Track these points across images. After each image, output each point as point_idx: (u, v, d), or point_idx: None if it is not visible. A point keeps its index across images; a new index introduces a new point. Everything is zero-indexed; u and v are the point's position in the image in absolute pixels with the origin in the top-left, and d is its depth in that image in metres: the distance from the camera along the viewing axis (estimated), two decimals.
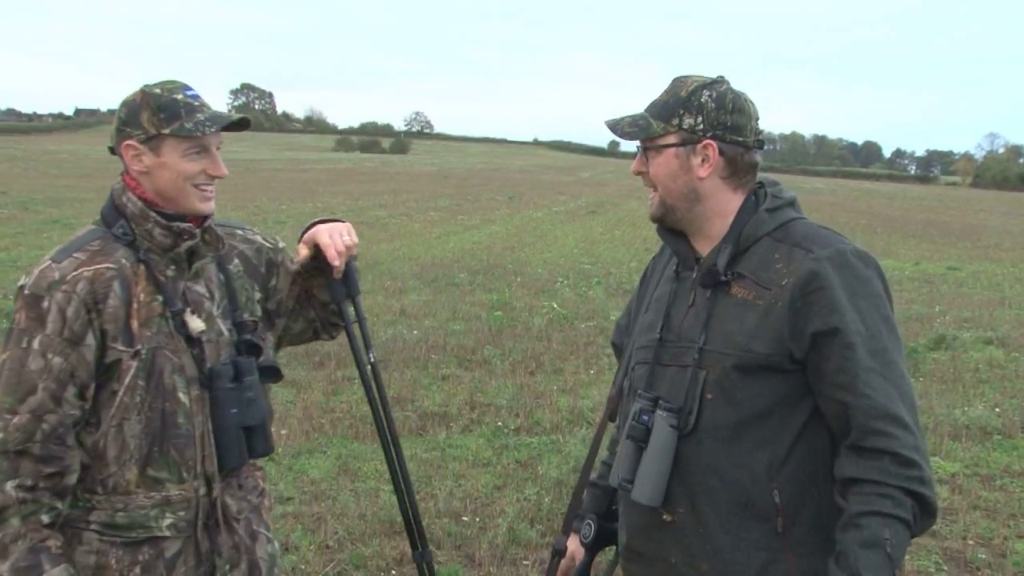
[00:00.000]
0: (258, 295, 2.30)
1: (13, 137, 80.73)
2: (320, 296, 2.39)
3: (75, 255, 2.05)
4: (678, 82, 2.00)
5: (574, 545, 2.27)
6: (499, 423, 6.74)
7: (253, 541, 2.26)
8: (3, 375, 1.99)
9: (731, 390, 1.89)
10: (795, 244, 1.92)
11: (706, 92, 1.95)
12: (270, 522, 2.35)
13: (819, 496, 1.90)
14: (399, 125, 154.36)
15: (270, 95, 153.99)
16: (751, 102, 2.00)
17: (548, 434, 6.55)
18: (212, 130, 2.05)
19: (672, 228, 2.05)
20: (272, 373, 2.25)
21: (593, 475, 2.32)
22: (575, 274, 15.01)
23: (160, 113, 2.03)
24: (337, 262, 2.25)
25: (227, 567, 2.19)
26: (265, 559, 2.28)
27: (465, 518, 4.98)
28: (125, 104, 2.09)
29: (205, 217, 2.15)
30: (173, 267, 2.12)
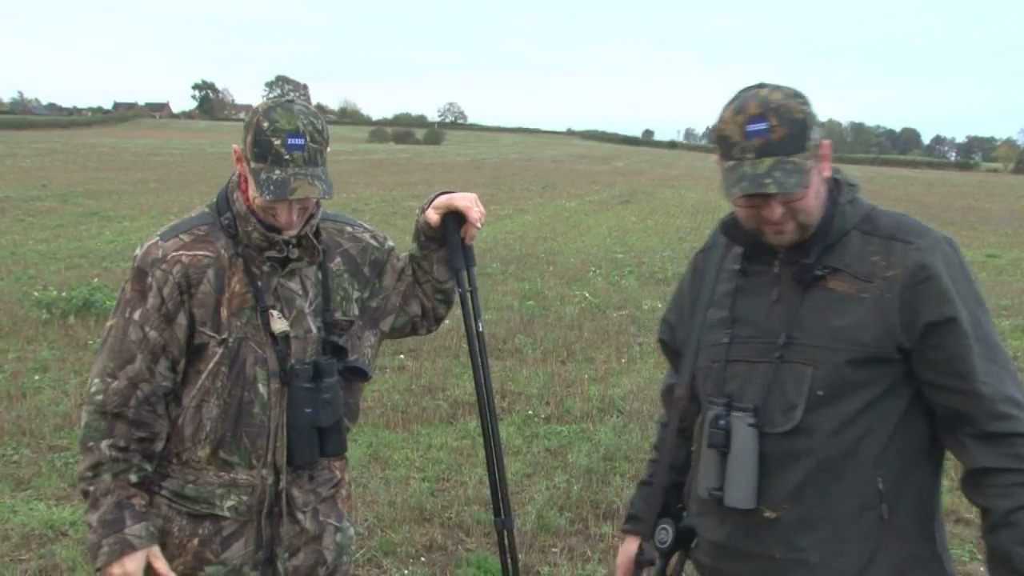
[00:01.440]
0: (357, 294, 2.33)
1: (54, 131, 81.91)
2: (437, 274, 2.40)
3: (181, 236, 2.16)
4: (776, 108, 1.82)
5: (633, 547, 2.22)
6: (529, 411, 6.75)
7: (320, 531, 2.32)
8: (108, 340, 2.15)
9: (842, 384, 1.87)
10: (889, 236, 1.90)
11: (798, 102, 1.85)
12: (346, 511, 2.40)
13: (920, 482, 1.92)
14: (433, 116, 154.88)
15: (304, 87, 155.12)
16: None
17: (578, 422, 6.55)
18: (268, 199, 2.06)
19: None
20: (359, 373, 2.30)
21: (643, 475, 2.31)
22: (608, 263, 14.97)
23: (255, 147, 2.07)
24: (479, 224, 2.34)
25: (286, 555, 2.26)
26: (331, 549, 2.35)
27: None
28: (251, 112, 2.12)
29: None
30: (268, 264, 2.18)
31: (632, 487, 5.28)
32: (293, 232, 2.16)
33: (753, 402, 1.91)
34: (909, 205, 32.82)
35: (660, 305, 11.16)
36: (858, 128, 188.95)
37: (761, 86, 1.88)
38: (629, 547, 2.25)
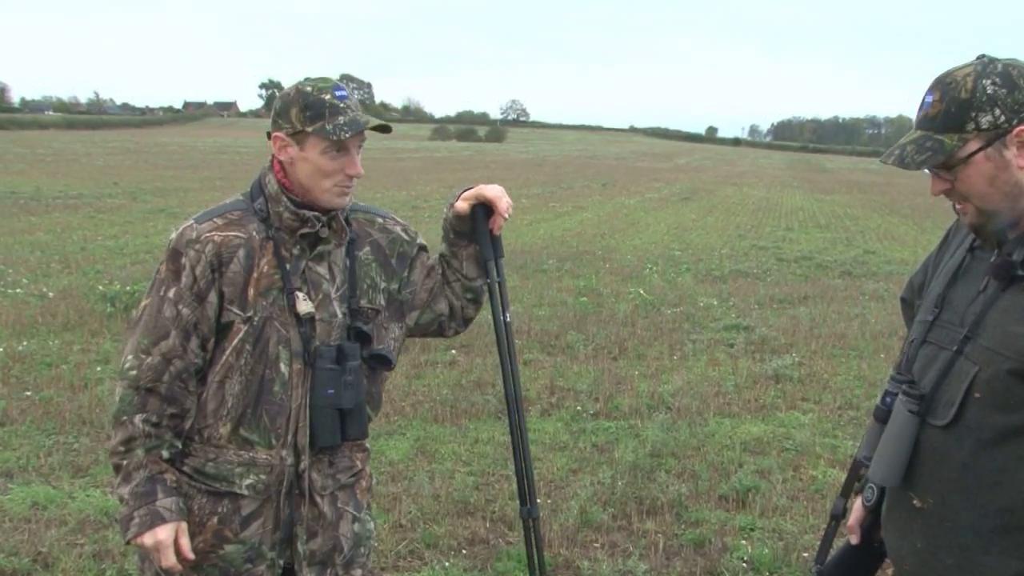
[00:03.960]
0: (384, 284, 2.38)
1: (128, 131, 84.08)
2: (467, 271, 2.45)
3: (215, 219, 2.25)
4: (948, 85, 1.80)
5: (856, 507, 2.22)
6: (578, 407, 6.74)
7: (338, 518, 2.35)
8: (143, 318, 2.21)
9: (1003, 394, 1.77)
10: None
11: (987, 81, 1.76)
12: (365, 503, 2.43)
13: None
14: (495, 113, 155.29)
15: (369, 85, 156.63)
16: None
17: (626, 419, 6.52)
18: (348, 135, 2.17)
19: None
20: (383, 361, 2.34)
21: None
22: (664, 260, 14.87)
23: (307, 111, 2.17)
24: (507, 214, 2.38)
25: (305, 537, 2.30)
26: (348, 537, 2.37)
27: (538, 500, 5.00)
28: (281, 97, 2.25)
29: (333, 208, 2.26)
30: (298, 247, 2.25)
31: (678, 483, 5.28)
32: (357, 177, 2.23)
33: (924, 389, 1.89)
34: None
35: (716, 303, 11.07)
36: None
37: (980, 57, 1.82)
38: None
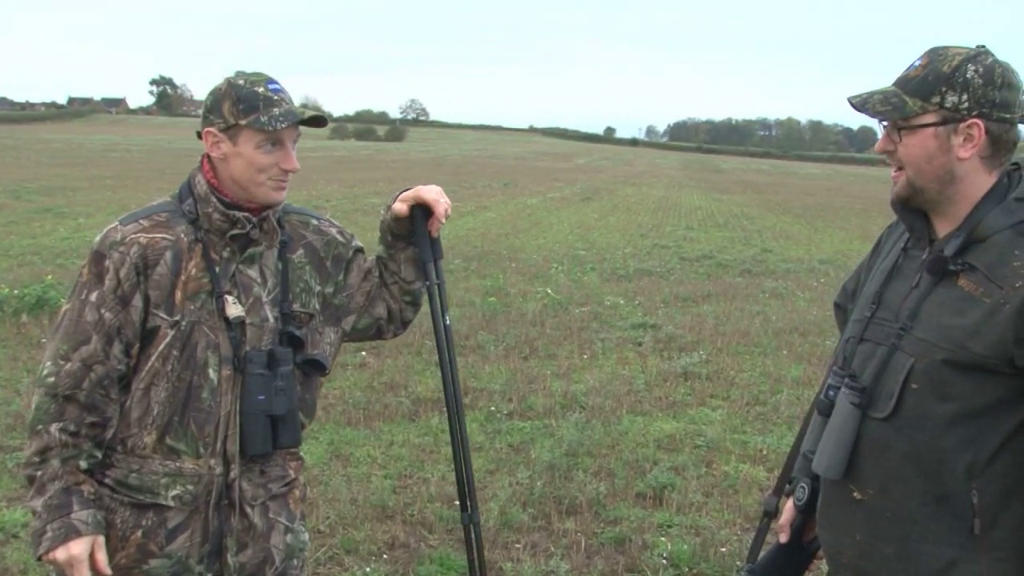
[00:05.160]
0: (318, 288, 2.31)
1: (6, 126, 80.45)
2: (405, 274, 2.40)
3: (140, 221, 2.15)
4: (936, 55, 1.84)
5: (788, 507, 2.24)
6: (492, 408, 6.72)
7: (268, 529, 2.27)
8: (63, 323, 2.11)
9: (940, 384, 1.81)
10: None
11: (971, 66, 1.80)
12: (298, 513, 2.35)
13: None
14: (395, 113, 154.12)
15: None
16: (1017, 73, 1.85)
17: (541, 418, 6.53)
18: (284, 126, 2.11)
19: (913, 207, 1.93)
20: (317, 367, 2.27)
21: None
22: (569, 260, 14.98)
23: (240, 104, 2.11)
24: (444, 219, 2.33)
25: (235, 549, 2.22)
26: (280, 548, 2.30)
27: (457, 502, 4.96)
28: (212, 93, 2.17)
29: (266, 207, 2.19)
30: (228, 249, 2.18)
31: (595, 482, 5.31)
32: (293, 172, 2.17)
33: (865, 383, 1.91)
34: (868, 203, 33.26)
35: (622, 302, 11.20)
36: (816, 126, 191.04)
37: (980, 47, 1.86)
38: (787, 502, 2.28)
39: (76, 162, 37.40)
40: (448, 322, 2.41)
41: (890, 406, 1.87)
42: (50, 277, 10.03)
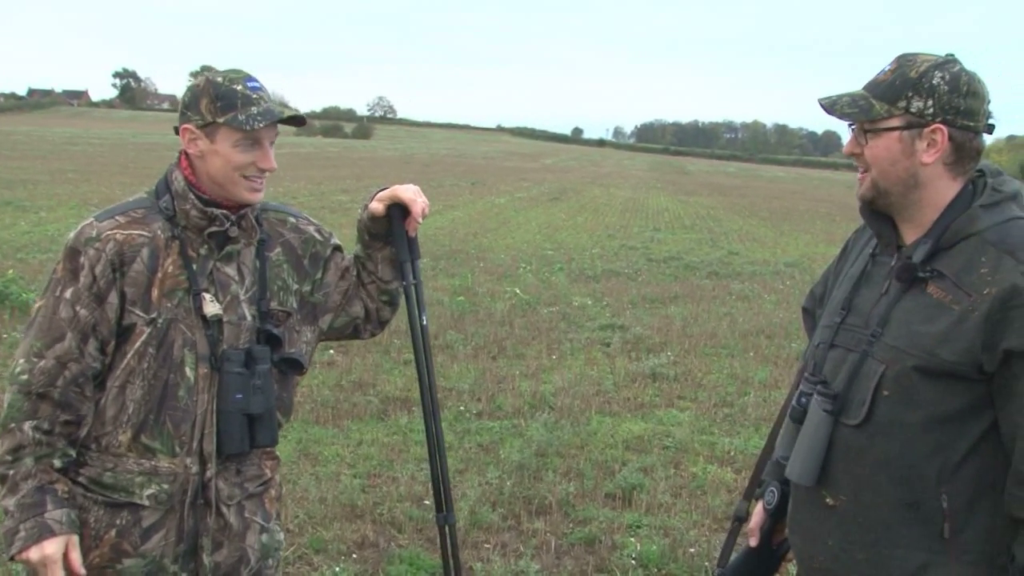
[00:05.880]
0: (296, 286, 2.29)
1: None
2: (382, 273, 2.38)
3: (116, 217, 2.13)
4: (905, 61, 1.88)
5: (757, 511, 2.26)
6: (461, 407, 6.72)
7: (244, 529, 2.26)
8: (37, 320, 2.09)
9: (910, 390, 1.84)
10: (1007, 251, 1.79)
11: (938, 73, 1.83)
12: (273, 512, 2.34)
13: (993, 507, 1.85)
14: (362, 110, 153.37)
15: None
16: (983, 83, 1.87)
17: (510, 418, 6.54)
18: (261, 125, 2.09)
19: (878, 210, 1.96)
20: (294, 365, 2.27)
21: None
22: (537, 260, 15.01)
23: (218, 102, 2.09)
24: (421, 218, 2.31)
25: (210, 549, 2.20)
26: (255, 548, 2.29)
27: (427, 501, 4.95)
28: (190, 89, 2.15)
29: (244, 205, 2.17)
30: (205, 247, 2.16)
31: (565, 482, 5.32)
32: (270, 171, 2.16)
33: (837, 389, 1.93)
34: (832, 206, 33.64)
35: (590, 302, 11.24)
36: (782, 129, 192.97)
37: (949, 55, 1.90)
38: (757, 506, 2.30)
39: (37, 155, 36.79)
40: (425, 322, 2.41)
41: (862, 413, 1.89)
42: (11, 271, 9.87)
